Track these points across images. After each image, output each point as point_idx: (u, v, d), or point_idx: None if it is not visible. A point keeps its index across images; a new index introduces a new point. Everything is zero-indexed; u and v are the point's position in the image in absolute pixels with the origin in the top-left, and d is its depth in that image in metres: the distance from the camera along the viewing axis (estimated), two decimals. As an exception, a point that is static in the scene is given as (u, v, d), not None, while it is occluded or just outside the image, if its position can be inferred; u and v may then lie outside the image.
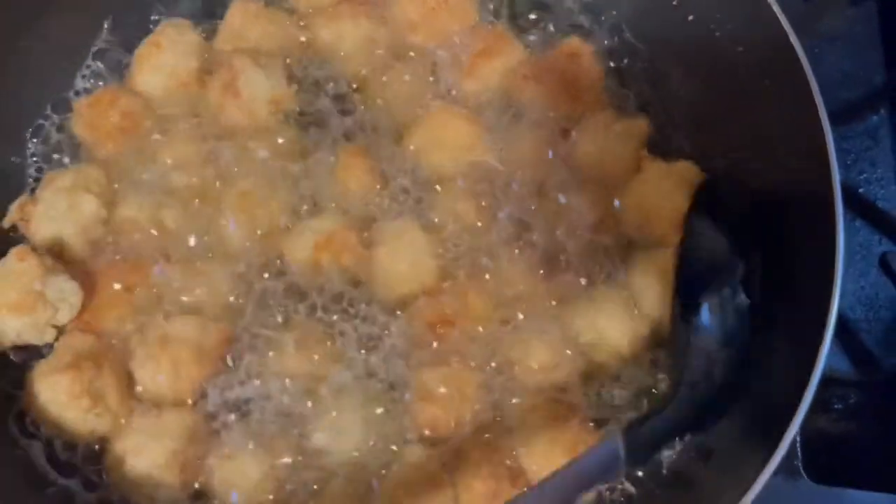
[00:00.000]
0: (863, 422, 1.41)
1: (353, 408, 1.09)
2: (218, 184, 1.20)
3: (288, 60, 1.27)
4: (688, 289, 1.09)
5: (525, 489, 1.04)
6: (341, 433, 1.08)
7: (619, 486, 1.13)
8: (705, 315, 1.07)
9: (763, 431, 1.00)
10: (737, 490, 0.96)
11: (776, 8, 1.10)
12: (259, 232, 1.17)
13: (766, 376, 1.07)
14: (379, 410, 1.11)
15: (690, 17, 1.25)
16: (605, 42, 1.35)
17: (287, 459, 1.08)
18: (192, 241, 1.17)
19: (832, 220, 1.02)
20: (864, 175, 1.52)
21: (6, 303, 1.07)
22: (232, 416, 1.10)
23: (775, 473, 1.18)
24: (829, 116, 1.52)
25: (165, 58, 1.23)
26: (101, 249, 1.17)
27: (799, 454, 1.23)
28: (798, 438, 1.23)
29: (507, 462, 1.09)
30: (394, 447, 1.10)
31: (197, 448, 1.07)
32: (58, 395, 1.05)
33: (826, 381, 1.36)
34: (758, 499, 1.16)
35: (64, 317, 1.11)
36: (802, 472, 1.22)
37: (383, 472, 1.09)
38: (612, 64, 1.34)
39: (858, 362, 1.40)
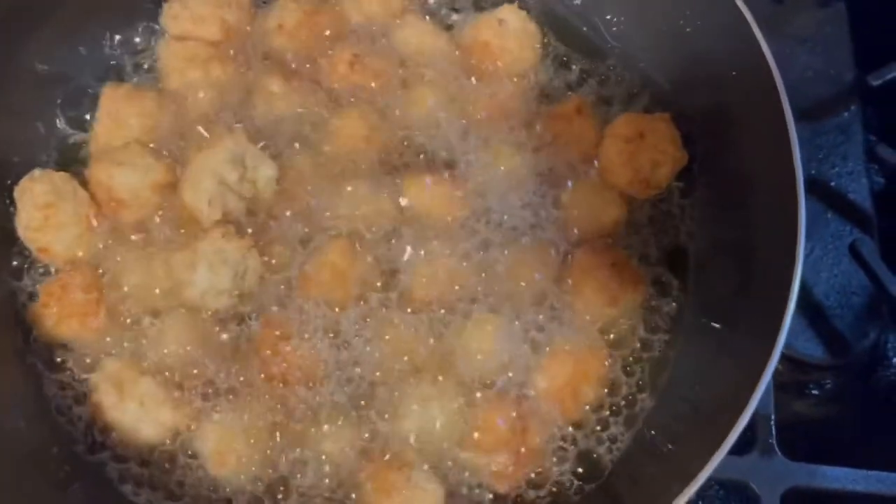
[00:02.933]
0: (838, 405, 1.45)
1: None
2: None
3: (165, 131, 1.28)
4: None
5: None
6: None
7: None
8: None
9: (728, 405, 1.03)
10: (698, 463, 0.99)
11: (740, 2, 1.15)
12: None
13: (730, 356, 1.13)
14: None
15: (662, 17, 1.31)
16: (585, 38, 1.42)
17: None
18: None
19: (794, 201, 1.08)
20: (836, 169, 1.58)
21: None
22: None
23: (751, 451, 1.25)
24: (802, 113, 1.60)
25: (62, 212, 1.20)
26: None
27: (773, 432, 1.27)
28: (773, 417, 1.28)
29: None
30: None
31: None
32: None
33: (802, 367, 1.43)
34: (733, 474, 1.23)
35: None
36: (777, 449, 1.26)
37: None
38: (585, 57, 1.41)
39: (832, 348, 1.45)
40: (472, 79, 1.37)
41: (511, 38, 1.37)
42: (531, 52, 1.39)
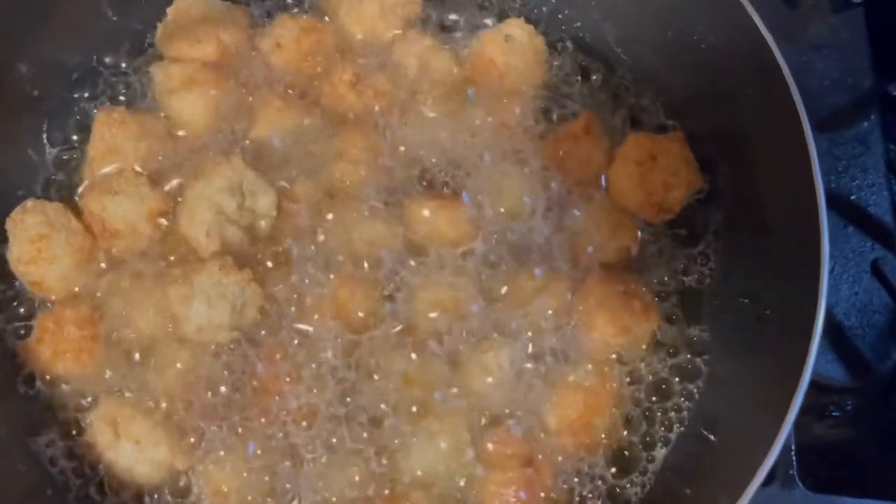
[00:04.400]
0: (860, 428, 1.40)
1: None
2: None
3: (160, 157, 1.25)
4: None
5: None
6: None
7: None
8: None
9: (754, 439, 1.00)
10: (731, 496, 0.96)
11: (756, 18, 1.10)
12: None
13: (752, 390, 1.09)
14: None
15: (674, 31, 1.26)
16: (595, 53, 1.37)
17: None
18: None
19: (817, 225, 1.03)
20: (856, 181, 1.52)
21: None
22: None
23: (771, 483, 1.20)
24: (819, 124, 1.55)
25: (55, 244, 1.16)
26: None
27: (794, 463, 1.22)
28: (793, 448, 1.23)
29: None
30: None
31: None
32: None
33: (823, 389, 1.38)
34: (753, 508, 1.18)
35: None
36: (798, 480, 1.21)
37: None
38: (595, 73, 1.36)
39: (854, 369, 1.39)
40: (478, 97, 1.32)
41: (518, 54, 1.32)
42: (538, 69, 1.34)
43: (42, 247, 1.15)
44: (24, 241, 1.16)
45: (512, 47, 1.32)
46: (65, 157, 1.28)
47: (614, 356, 1.19)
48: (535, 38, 1.33)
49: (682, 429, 1.17)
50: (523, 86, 1.33)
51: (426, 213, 1.23)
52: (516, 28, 1.32)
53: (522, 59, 1.32)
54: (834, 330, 1.41)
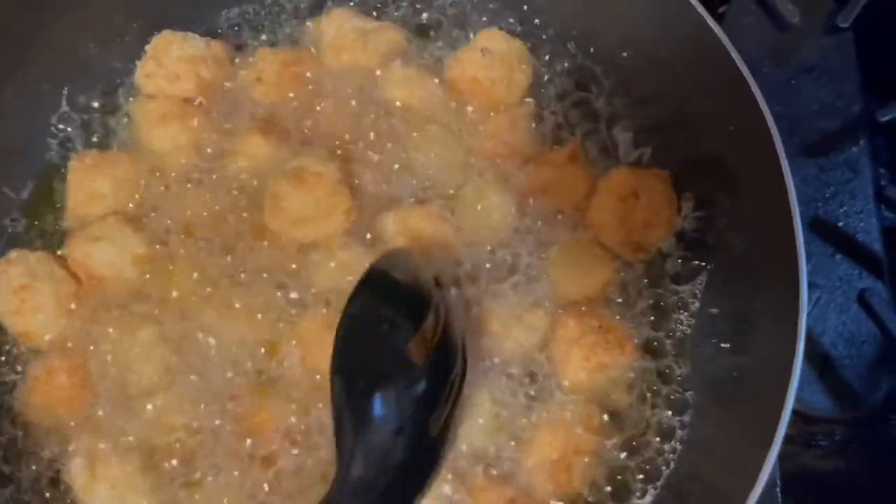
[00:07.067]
0: (848, 458, 1.39)
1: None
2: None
3: (138, 196, 1.24)
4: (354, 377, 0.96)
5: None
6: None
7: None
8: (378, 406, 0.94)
9: (736, 480, 1.00)
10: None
11: (734, 53, 1.10)
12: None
13: (732, 429, 1.08)
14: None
15: (657, 64, 1.25)
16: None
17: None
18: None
19: (794, 255, 1.03)
20: (844, 208, 1.50)
21: None
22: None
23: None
24: (808, 148, 1.54)
25: (39, 294, 1.16)
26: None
27: (779, 499, 1.21)
28: (778, 484, 1.22)
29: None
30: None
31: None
32: None
33: (810, 420, 1.37)
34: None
35: None
36: (784, 518, 1.20)
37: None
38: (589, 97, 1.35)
39: (842, 400, 1.38)
40: (463, 120, 1.31)
41: (498, 65, 1.30)
42: (522, 75, 1.32)
43: (25, 297, 1.15)
44: (7, 292, 1.16)
45: (491, 60, 1.30)
46: (42, 204, 1.27)
47: (592, 392, 1.17)
48: (512, 42, 1.31)
49: (666, 469, 1.16)
50: (511, 98, 1.32)
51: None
52: (490, 39, 1.31)
53: (504, 67, 1.30)
54: (821, 360, 1.40)
